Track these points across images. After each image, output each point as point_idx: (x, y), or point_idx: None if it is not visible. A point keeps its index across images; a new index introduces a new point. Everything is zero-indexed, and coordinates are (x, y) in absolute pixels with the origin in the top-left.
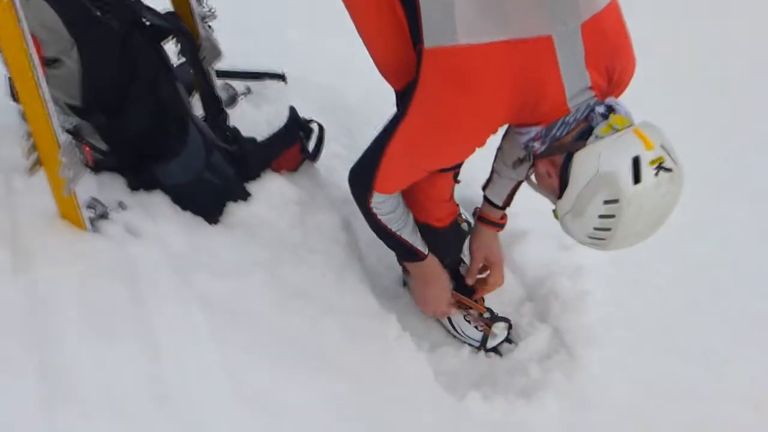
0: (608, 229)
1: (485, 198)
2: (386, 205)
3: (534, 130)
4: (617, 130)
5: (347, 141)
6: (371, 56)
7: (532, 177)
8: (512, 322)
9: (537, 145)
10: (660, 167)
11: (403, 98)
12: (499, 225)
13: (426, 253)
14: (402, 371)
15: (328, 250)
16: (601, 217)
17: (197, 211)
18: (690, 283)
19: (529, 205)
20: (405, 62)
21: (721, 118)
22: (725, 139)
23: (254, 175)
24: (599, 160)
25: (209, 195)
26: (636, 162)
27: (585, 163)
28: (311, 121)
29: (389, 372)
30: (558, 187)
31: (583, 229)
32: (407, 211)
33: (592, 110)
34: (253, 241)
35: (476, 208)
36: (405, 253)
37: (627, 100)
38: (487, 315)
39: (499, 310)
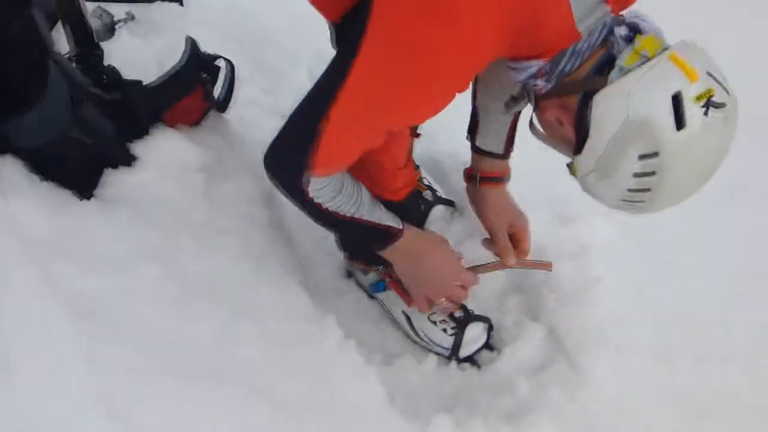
0: (647, 190)
1: (477, 150)
2: (330, 188)
3: (535, 65)
4: (647, 58)
5: (267, 83)
6: None
7: (536, 124)
8: (493, 322)
9: (540, 83)
10: (709, 103)
11: (348, 33)
12: (506, 180)
13: (400, 226)
14: (345, 392)
15: (243, 231)
16: (637, 176)
17: (63, 181)
18: (732, 262)
19: (514, 163)
20: None
21: None
22: None
23: (141, 132)
24: (628, 102)
25: (79, 160)
26: (677, 100)
27: (610, 106)
28: (218, 57)
29: (328, 393)
30: (575, 138)
31: (614, 192)
32: (355, 182)
33: (611, 32)
34: (139, 222)
35: (466, 170)
36: (374, 238)
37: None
38: (459, 313)
39: (475, 306)
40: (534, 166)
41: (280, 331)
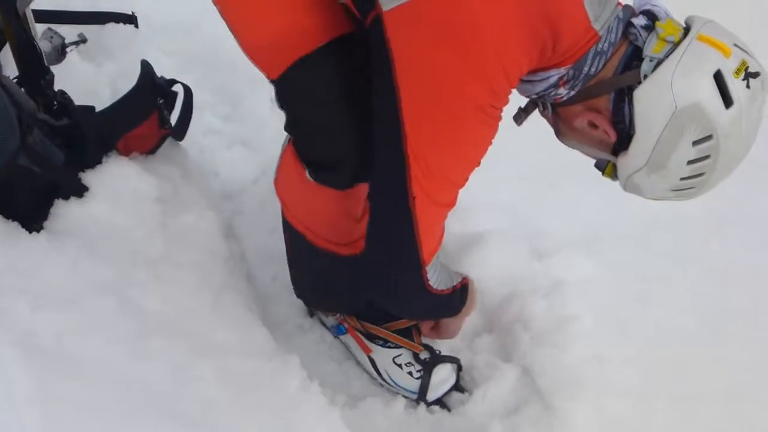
0: (701, 175)
1: None
2: (433, 269)
3: (555, 74)
4: (674, 43)
5: (226, 110)
6: (235, 32)
7: (563, 132)
8: (463, 363)
9: (563, 92)
10: (748, 74)
11: (371, 99)
12: None
13: (464, 277)
14: None
15: (201, 266)
16: (692, 162)
17: (10, 213)
18: (715, 299)
19: (487, 195)
20: (296, 28)
21: None
22: None
23: (93, 161)
24: (673, 92)
25: (27, 190)
26: (719, 78)
27: (654, 101)
28: (174, 81)
29: None
30: (616, 140)
31: (665, 183)
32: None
33: (630, 24)
34: (92, 255)
35: None
36: (460, 297)
37: None
38: (425, 354)
39: (443, 346)
40: (510, 198)
41: (240, 370)
